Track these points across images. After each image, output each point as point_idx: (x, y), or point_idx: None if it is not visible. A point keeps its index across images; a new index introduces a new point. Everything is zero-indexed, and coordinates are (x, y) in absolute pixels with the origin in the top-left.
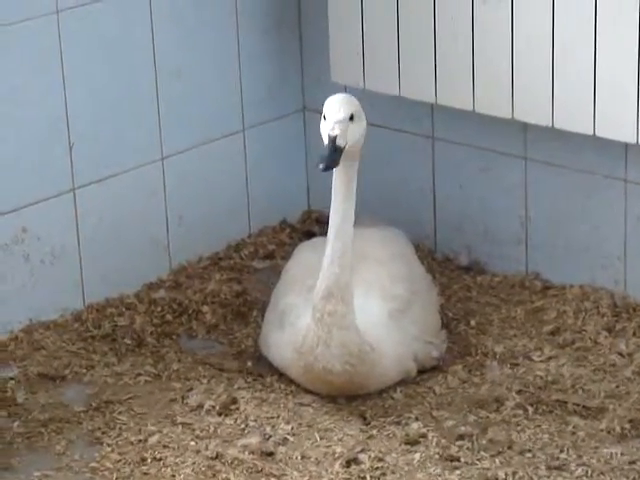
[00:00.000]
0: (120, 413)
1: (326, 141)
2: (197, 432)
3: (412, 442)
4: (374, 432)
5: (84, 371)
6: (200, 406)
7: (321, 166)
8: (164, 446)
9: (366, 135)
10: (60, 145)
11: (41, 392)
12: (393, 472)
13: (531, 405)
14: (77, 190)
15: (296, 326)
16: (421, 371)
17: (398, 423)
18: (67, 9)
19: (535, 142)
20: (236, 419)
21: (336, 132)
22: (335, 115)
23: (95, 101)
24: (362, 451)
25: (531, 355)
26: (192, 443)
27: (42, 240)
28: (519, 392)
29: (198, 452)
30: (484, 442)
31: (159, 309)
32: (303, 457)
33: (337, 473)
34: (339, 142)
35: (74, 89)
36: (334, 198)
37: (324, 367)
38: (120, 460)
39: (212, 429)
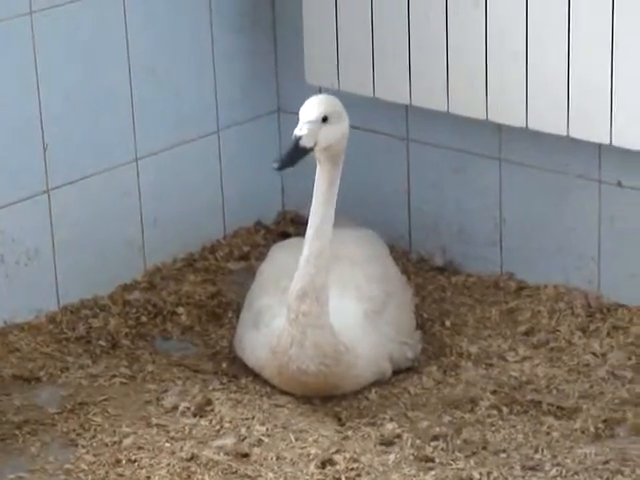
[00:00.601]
0: (95, 415)
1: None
2: (172, 433)
3: (387, 443)
4: (349, 433)
5: (59, 373)
6: (175, 407)
7: (275, 165)
8: (139, 447)
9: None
10: (34, 146)
11: (15, 394)
12: (368, 473)
13: (506, 405)
14: (51, 191)
15: (271, 327)
16: (396, 372)
17: (373, 424)
18: (40, 10)
19: (509, 143)
20: (211, 420)
21: (302, 132)
22: (306, 115)
23: (69, 102)
24: (337, 452)
25: (505, 355)
26: (167, 444)
27: (16, 241)
28: (494, 392)
29: (173, 453)
30: (459, 442)
31: (134, 310)
32: (278, 458)
33: (312, 474)
34: (303, 143)
35: (48, 90)
36: (315, 199)
37: (298, 367)
38: (95, 462)
39: (187, 430)
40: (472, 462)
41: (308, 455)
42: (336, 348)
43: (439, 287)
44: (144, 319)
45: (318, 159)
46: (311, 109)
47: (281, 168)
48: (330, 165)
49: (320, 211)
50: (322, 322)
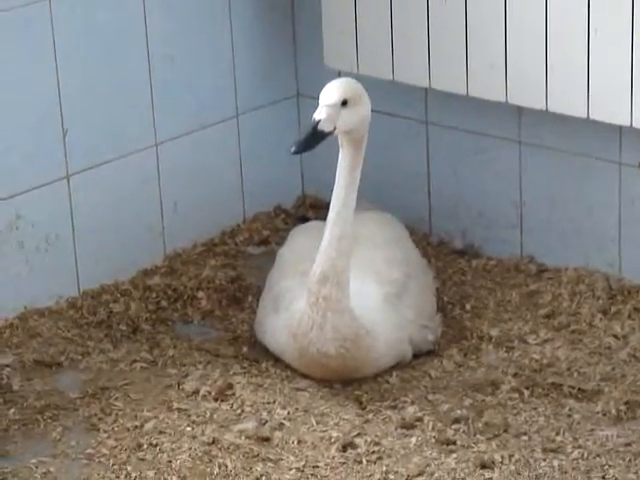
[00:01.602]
0: (116, 399)
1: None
2: (193, 418)
3: (408, 426)
4: (370, 416)
5: (79, 358)
6: (196, 392)
7: (292, 149)
8: (160, 432)
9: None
10: (54, 132)
11: (37, 379)
12: (389, 456)
13: (527, 388)
14: (71, 177)
15: (291, 310)
16: (416, 355)
17: (394, 407)
18: None
19: (529, 126)
20: (232, 404)
21: (320, 116)
22: (325, 99)
23: (88, 88)
24: (358, 435)
25: (526, 338)
26: (188, 429)
27: (36, 227)
28: (515, 375)
29: (194, 438)
30: (480, 425)
31: (154, 295)
32: (299, 442)
33: (333, 457)
34: (321, 126)
35: (67, 76)
36: (337, 183)
37: (318, 350)
38: (116, 446)
39: (208, 415)
40: (493, 445)
41: (329, 438)
42: (356, 332)
43: (459, 270)
44: (164, 304)
45: (341, 143)
46: (331, 93)
47: (298, 152)
48: (352, 149)
49: (342, 195)
50: (342, 306)
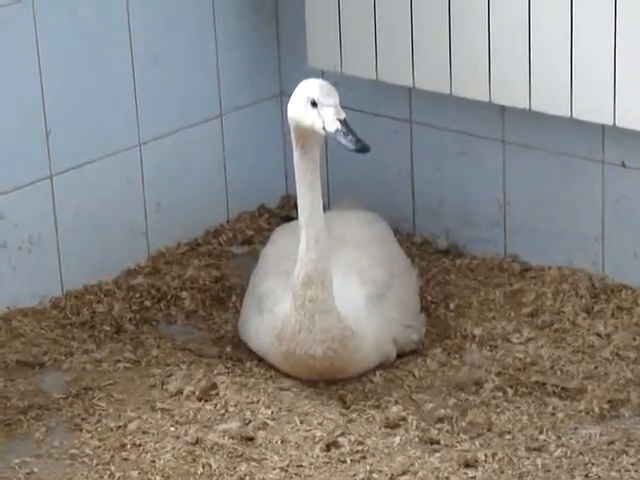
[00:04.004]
0: (99, 399)
1: (338, 125)
2: (177, 418)
3: (392, 425)
4: (354, 416)
5: (63, 358)
6: (180, 392)
7: (365, 147)
8: (144, 432)
9: None
10: (37, 132)
11: (20, 379)
12: (373, 455)
13: (510, 387)
14: (54, 177)
15: (274, 312)
16: (400, 354)
17: (378, 406)
18: None
19: (513, 125)
20: (216, 404)
21: (344, 115)
22: (334, 99)
23: (72, 87)
24: (342, 435)
25: (510, 337)
26: (172, 429)
27: (19, 227)
28: (498, 374)
29: (178, 438)
30: (464, 424)
31: (138, 295)
32: (283, 441)
33: (317, 457)
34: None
35: (50, 76)
36: (299, 186)
37: (306, 353)
38: (100, 446)
39: (192, 414)
40: (477, 444)
41: (313, 438)
42: (344, 332)
43: (443, 269)
44: (148, 304)
45: (302, 147)
46: (332, 92)
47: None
48: (317, 149)
49: (308, 197)
50: (329, 307)
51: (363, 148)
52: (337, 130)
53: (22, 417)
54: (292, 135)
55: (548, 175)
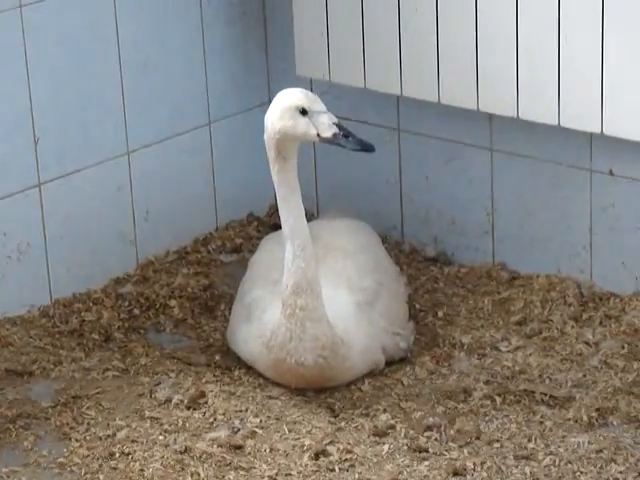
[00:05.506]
0: (88, 408)
1: (335, 130)
2: (165, 426)
3: (380, 434)
4: (342, 424)
5: (52, 367)
6: (168, 400)
7: (370, 145)
8: (132, 441)
9: None
10: (25, 140)
11: (8, 388)
12: (362, 464)
13: (499, 395)
14: (43, 185)
15: (263, 320)
16: (389, 363)
17: (366, 415)
18: (30, 4)
19: (501, 133)
20: (204, 413)
21: (336, 119)
22: (323, 106)
23: (60, 95)
24: (331, 443)
25: (498, 345)
26: (160, 437)
27: (8, 236)
28: (487, 382)
29: (167, 446)
30: (452, 433)
31: (126, 304)
32: (272, 450)
33: (306, 465)
34: None
35: (38, 84)
36: (279, 196)
37: (296, 361)
38: (88, 455)
39: (180, 423)
40: (466, 452)
41: (302, 446)
42: (334, 340)
43: (431, 278)
44: (137, 312)
45: (283, 158)
46: (319, 100)
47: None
48: (295, 158)
49: (290, 206)
50: (320, 314)
51: (368, 146)
52: (336, 134)
53: (10, 426)
54: (271, 150)
55: (536, 183)
